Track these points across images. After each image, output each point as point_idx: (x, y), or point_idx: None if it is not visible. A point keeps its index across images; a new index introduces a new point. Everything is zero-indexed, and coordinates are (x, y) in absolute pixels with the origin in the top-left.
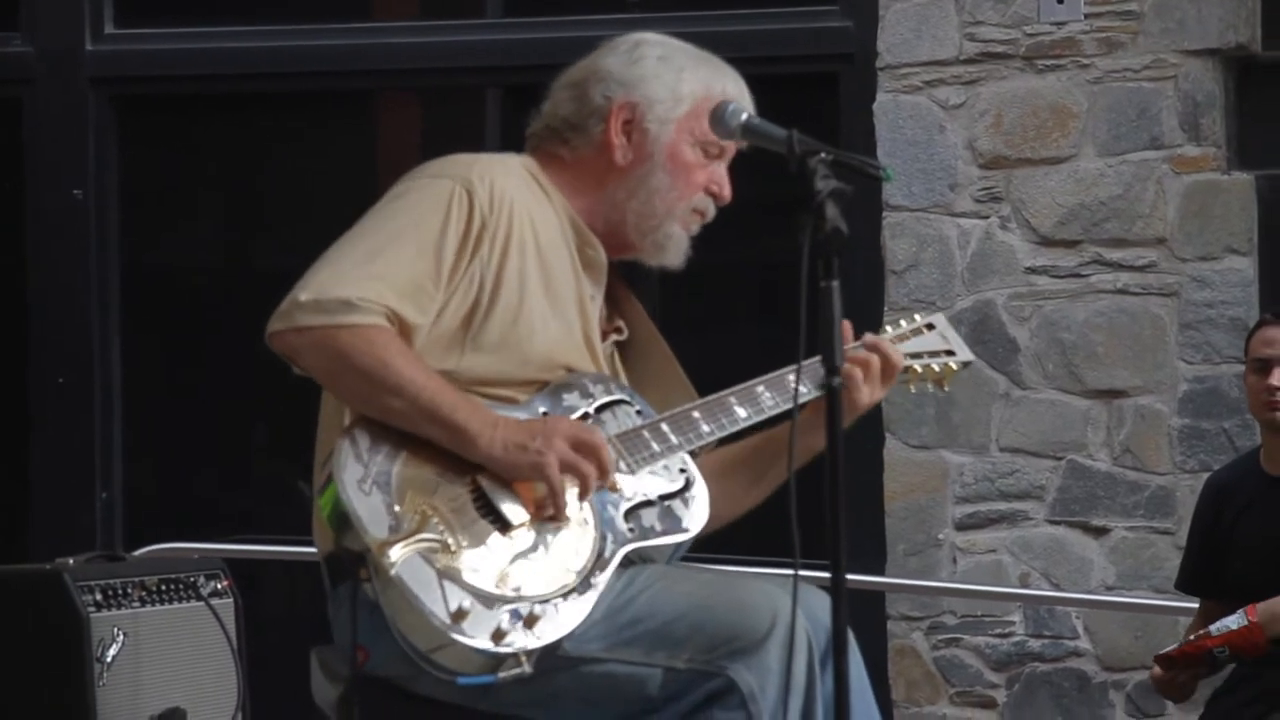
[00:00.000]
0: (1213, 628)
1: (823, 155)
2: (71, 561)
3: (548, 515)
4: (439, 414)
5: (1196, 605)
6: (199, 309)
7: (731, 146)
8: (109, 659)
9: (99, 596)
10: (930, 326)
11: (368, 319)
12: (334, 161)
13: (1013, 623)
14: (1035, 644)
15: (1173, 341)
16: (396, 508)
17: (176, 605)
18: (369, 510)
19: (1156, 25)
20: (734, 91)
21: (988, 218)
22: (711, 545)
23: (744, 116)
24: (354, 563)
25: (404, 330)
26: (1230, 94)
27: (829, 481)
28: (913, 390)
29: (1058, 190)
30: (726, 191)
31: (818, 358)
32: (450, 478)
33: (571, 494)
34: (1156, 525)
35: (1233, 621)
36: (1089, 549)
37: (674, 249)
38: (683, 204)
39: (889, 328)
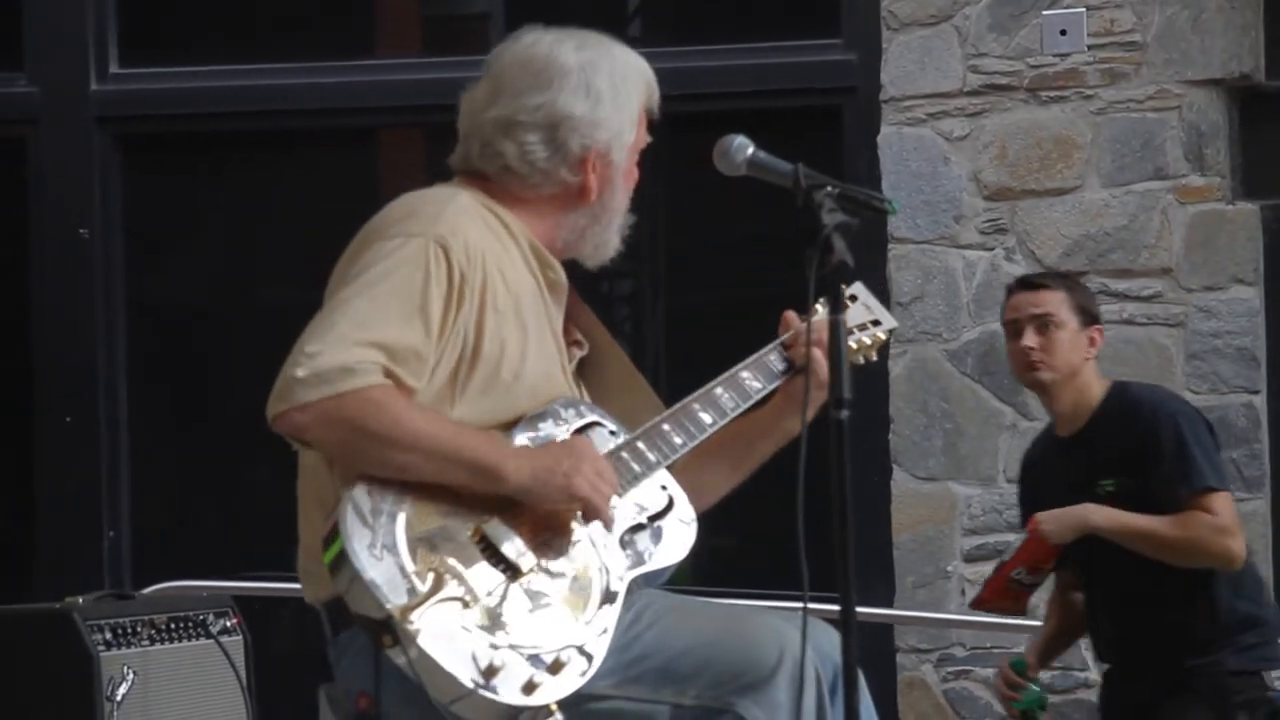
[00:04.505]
0: (1004, 555)
1: (829, 189)
2: (81, 600)
3: (601, 524)
4: (461, 457)
5: None
6: (205, 346)
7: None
8: (119, 698)
9: (109, 635)
10: (853, 298)
11: (369, 379)
12: (338, 198)
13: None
14: (1044, 675)
15: (1179, 371)
16: (411, 569)
17: (186, 643)
18: (384, 576)
19: (1160, 56)
20: (654, 82)
21: (993, 249)
22: (721, 579)
23: (750, 151)
24: (375, 630)
25: (402, 392)
26: (1234, 124)
27: (836, 514)
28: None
29: (1063, 221)
30: (635, 176)
31: (769, 347)
32: (454, 528)
33: (569, 532)
34: None
35: (1017, 541)
36: None
37: (612, 250)
38: (625, 210)
39: (818, 307)
